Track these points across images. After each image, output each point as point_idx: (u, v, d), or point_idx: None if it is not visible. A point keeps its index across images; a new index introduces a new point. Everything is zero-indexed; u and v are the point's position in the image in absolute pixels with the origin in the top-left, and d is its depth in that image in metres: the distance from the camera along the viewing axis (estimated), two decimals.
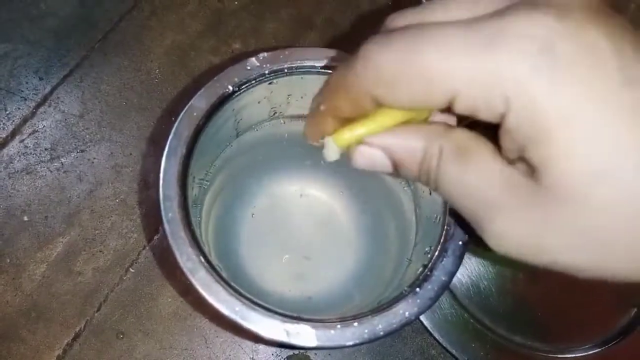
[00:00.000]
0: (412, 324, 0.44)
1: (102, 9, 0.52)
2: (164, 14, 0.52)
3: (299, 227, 0.40)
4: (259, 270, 0.38)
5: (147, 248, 0.44)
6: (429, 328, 0.43)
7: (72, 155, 0.46)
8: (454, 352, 0.43)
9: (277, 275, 0.38)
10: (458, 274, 0.45)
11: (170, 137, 0.29)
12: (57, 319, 0.42)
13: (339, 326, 0.27)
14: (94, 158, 0.46)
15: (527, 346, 0.43)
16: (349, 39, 0.54)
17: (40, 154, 0.46)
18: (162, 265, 0.44)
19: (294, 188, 0.40)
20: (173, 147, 0.29)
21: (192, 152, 0.30)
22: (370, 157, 0.22)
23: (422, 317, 0.43)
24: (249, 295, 0.27)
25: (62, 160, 0.46)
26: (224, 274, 0.35)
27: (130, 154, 0.47)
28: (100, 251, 0.44)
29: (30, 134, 0.47)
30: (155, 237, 0.44)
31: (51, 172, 0.46)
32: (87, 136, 0.47)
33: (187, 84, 0.50)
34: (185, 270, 0.27)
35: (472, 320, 0.44)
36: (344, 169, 0.41)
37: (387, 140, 0.21)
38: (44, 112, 0.48)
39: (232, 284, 0.28)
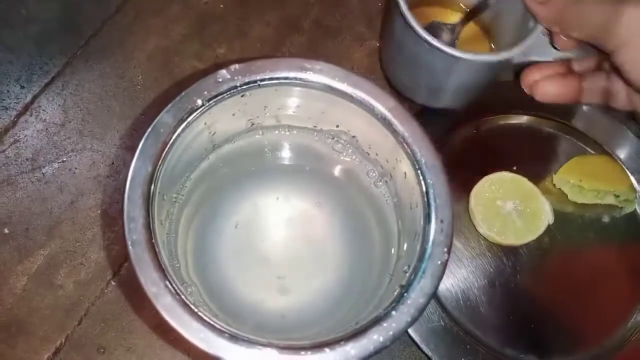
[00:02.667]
0: (400, 337, 0.43)
1: (84, 14, 0.51)
2: (148, 19, 0.51)
3: (282, 239, 0.39)
4: (240, 284, 0.37)
5: (129, 260, 0.43)
6: (417, 341, 0.42)
7: (54, 166, 0.45)
8: None
9: (257, 289, 0.37)
10: (447, 284, 0.44)
11: (136, 155, 0.28)
12: (38, 334, 0.41)
13: (309, 353, 0.26)
14: (76, 168, 0.45)
15: (520, 359, 0.42)
16: (338, 41, 0.52)
17: (21, 164, 0.45)
18: None
19: (278, 199, 0.39)
20: (138, 166, 0.28)
21: (160, 170, 0.29)
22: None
23: (410, 330, 0.42)
24: (215, 321, 0.26)
25: (44, 170, 0.45)
26: (200, 291, 0.34)
27: (112, 163, 0.46)
28: (82, 264, 0.43)
29: (11, 144, 0.46)
30: None
31: (32, 182, 0.45)
32: (69, 145, 0.46)
33: (171, 91, 0.49)
34: (149, 295, 0.26)
35: (462, 333, 0.42)
36: (330, 180, 0.40)
37: None
38: (26, 121, 0.47)
39: (200, 309, 0.27)
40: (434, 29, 0.43)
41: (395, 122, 0.31)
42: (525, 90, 0.39)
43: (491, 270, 0.45)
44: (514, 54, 0.38)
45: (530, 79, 0.38)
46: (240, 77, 0.31)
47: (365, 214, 0.38)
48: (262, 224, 0.39)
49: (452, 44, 0.42)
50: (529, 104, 0.50)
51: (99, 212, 0.44)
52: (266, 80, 0.31)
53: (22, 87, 0.48)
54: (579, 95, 0.38)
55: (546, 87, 0.37)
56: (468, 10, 0.47)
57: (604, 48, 0.34)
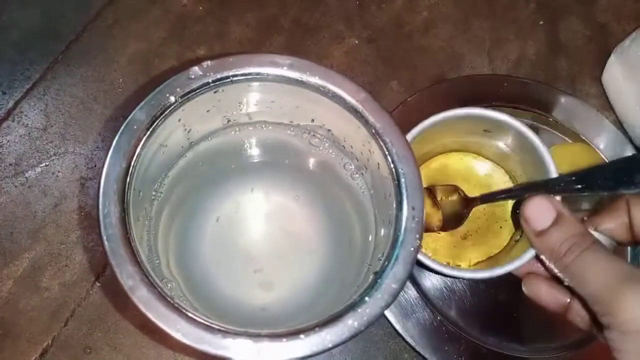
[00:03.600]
0: (385, 328, 0.44)
1: (65, 20, 0.51)
2: (128, 23, 0.51)
3: (262, 234, 0.39)
4: (221, 279, 0.37)
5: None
6: (401, 332, 0.42)
7: (37, 170, 0.46)
8: (427, 355, 0.42)
9: (239, 284, 0.37)
10: (432, 278, 0.45)
11: (110, 152, 0.29)
12: (25, 336, 0.42)
13: (284, 340, 0.27)
14: (58, 171, 0.46)
15: (502, 347, 0.43)
16: (317, 38, 0.53)
17: (4, 169, 0.46)
18: None
19: (257, 194, 0.40)
20: (112, 162, 0.29)
21: (135, 166, 0.29)
22: None
23: (394, 321, 0.42)
24: (191, 312, 0.27)
25: (27, 175, 0.46)
26: (181, 287, 0.35)
27: (95, 165, 0.46)
28: (67, 265, 0.43)
29: None
30: None
31: (16, 187, 0.45)
32: (51, 149, 0.47)
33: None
34: (125, 288, 0.27)
35: (445, 323, 0.43)
36: (308, 174, 0.40)
37: None
38: (8, 127, 0.47)
39: (176, 301, 0.27)
40: (453, 190, 0.40)
41: (367, 114, 0.32)
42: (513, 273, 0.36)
43: None
44: (498, 273, 0.35)
45: (524, 268, 0.35)
46: (212, 73, 0.31)
47: (344, 206, 0.38)
48: (243, 219, 0.39)
49: (461, 216, 0.40)
50: (506, 96, 0.52)
51: (82, 214, 0.45)
52: (238, 76, 0.32)
53: (4, 93, 0.48)
54: (565, 312, 0.34)
55: (540, 287, 0.34)
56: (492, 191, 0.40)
57: (597, 315, 0.28)
